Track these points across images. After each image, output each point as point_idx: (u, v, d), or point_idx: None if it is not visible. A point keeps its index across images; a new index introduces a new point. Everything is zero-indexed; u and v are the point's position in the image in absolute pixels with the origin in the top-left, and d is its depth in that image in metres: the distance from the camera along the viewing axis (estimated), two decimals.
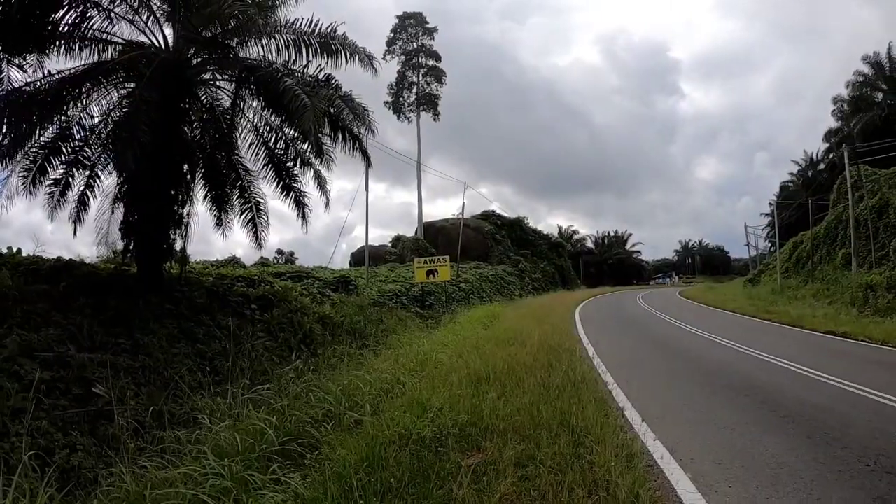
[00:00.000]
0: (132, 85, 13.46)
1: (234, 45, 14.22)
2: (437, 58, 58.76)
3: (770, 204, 68.99)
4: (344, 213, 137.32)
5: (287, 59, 14.36)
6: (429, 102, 58.47)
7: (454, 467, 5.31)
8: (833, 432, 6.94)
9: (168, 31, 14.04)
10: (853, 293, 24.41)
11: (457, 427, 6.47)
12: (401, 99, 58.41)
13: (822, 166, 61.69)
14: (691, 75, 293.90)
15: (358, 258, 42.40)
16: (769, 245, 71.44)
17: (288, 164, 16.43)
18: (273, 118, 15.70)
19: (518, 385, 8.67)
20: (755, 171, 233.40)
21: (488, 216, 61.98)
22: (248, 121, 15.70)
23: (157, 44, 13.91)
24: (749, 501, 4.98)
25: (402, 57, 58.50)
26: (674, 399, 9.44)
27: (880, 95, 47.39)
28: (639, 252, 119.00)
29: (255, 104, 15.40)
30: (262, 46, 14.19)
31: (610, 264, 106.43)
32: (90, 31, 12.92)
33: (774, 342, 16.43)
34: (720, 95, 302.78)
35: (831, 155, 54.41)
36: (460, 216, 48.63)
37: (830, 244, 34.56)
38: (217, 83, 15.34)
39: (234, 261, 30.33)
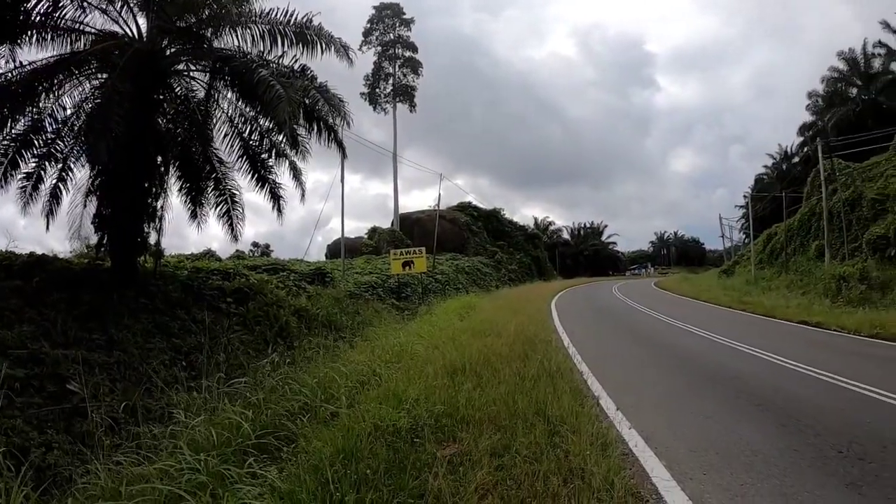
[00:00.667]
0: (105, 76, 13.28)
1: (209, 35, 14.10)
2: (414, 49, 58.54)
3: (745, 196, 69.54)
4: (319, 206, 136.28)
5: (262, 49, 14.32)
6: (405, 94, 58.16)
7: (430, 458, 5.30)
8: (806, 420, 7.06)
9: (141, 21, 13.93)
10: (826, 284, 24.76)
11: (433, 418, 6.47)
12: (377, 90, 58.05)
13: (796, 160, 62.12)
14: (668, 69, 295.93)
15: (334, 250, 42.22)
16: (744, 237, 72.21)
17: (263, 156, 16.34)
18: (248, 109, 15.63)
19: (494, 376, 8.67)
20: (730, 163, 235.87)
21: (464, 207, 61.94)
22: (223, 112, 15.61)
23: (130, 34, 13.76)
24: (724, 489, 5.03)
25: (379, 48, 58.14)
26: (649, 388, 9.53)
27: (854, 91, 47.80)
28: (615, 243, 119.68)
29: (229, 95, 15.34)
30: (237, 36, 14.14)
31: (586, 255, 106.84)
32: (62, 21, 12.77)
33: (748, 332, 16.64)
34: (696, 89, 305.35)
35: (805, 149, 54.77)
36: (436, 208, 48.59)
37: (804, 236, 34.98)
38: (191, 74, 15.22)
39: (209, 254, 30.11)
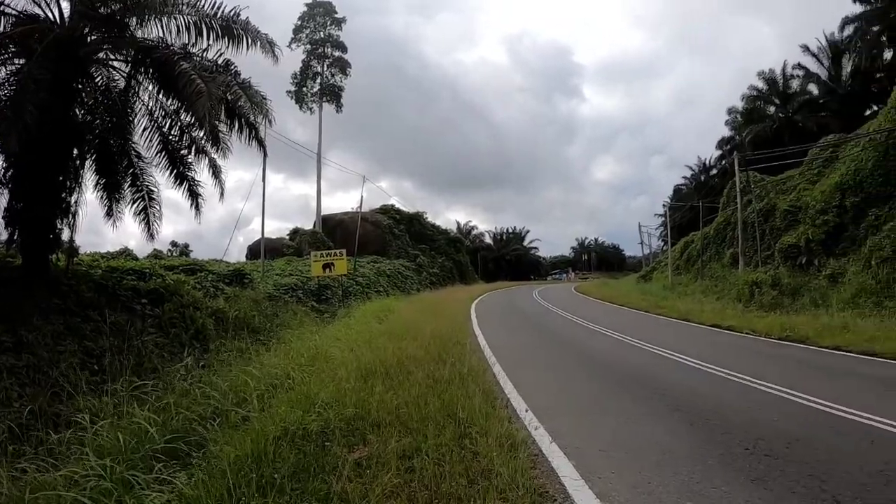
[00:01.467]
0: (22, 61, 12.85)
1: (133, 23, 13.80)
2: (344, 49, 57.88)
3: (664, 205, 72.11)
4: (241, 205, 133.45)
5: (187, 41, 14.10)
6: (332, 94, 57.41)
7: (339, 461, 5.32)
8: (715, 419, 7.38)
9: (64, 5, 13.50)
10: (739, 290, 25.90)
11: (343, 421, 6.51)
12: (304, 89, 57.09)
13: (714, 171, 64.80)
14: (594, 79, 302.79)
15: (255, 251, 41.51)
16: (662, 244, 74.86)
17: (182, 152, 15.99)
18: (169, 103, 15.29)
19: (407, 378, 8.72)
20: (651, 173, 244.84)
21: (387, 210, 61.65)
22: (143, 105, 15.24)
23: (51, 18, 13.34)
24: (632, 486, 5.15)
25: (309, 46, 57.20)
26: (562, 390, 9.82)
27: (772, 109, 50.16)
28: (536, 248, 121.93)
29: (150, 87, 15.01)
30: (162, 27, 13.84)
31: (508, 260, 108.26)
32: None
33: (663, 335, 17.34)
34: (621, 100, 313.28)
35: (723, 161, 57.40)
36: (359, 210, 48.42)
37: (719, 244, 36.61)
38: (112, 63, 14.81)
39: (125, 253, 29.30)
